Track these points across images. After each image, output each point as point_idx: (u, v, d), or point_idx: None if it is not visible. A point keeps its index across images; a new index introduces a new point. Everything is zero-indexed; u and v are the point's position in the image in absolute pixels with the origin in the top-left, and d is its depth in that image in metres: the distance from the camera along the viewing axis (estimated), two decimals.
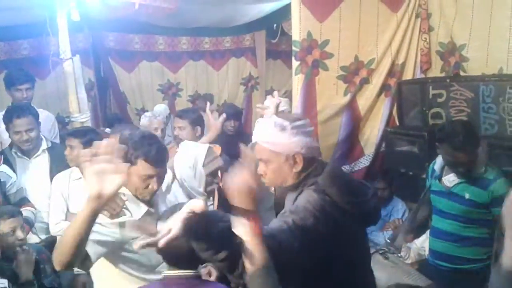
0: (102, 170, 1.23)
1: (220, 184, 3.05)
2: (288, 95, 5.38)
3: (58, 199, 2.56)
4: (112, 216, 1.75)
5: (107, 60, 4.79)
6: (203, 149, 2.72)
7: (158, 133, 3.44)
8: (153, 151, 1.77)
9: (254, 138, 1.63)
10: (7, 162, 2.74)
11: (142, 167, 1.75)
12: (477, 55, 3.27)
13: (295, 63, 3.58)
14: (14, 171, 2.73)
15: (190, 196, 2.57)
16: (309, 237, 1.34)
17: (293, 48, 3.57)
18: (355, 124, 3.75)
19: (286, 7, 4.02)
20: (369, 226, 1.64)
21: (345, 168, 3.83)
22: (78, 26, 4.34)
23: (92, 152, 1.21)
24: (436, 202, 2.52)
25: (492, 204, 2.27)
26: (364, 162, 3.80)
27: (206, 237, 1.19)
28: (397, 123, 3.73)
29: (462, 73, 3.38)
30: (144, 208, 1.84)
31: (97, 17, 4.43)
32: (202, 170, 2.71)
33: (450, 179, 2.42)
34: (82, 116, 3.01)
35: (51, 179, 2.69)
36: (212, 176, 2.71)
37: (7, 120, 2.73)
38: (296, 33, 3.55)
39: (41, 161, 2.85)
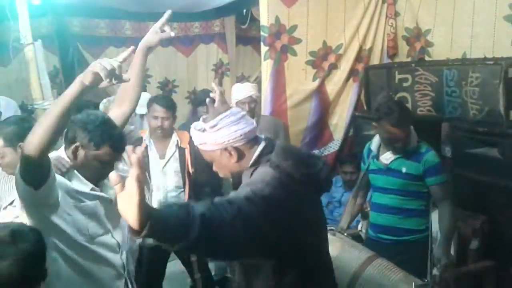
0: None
1: (191, 171, 3.06)
2: (258, 81, 5.38)
3: None
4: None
5: (76, 46, 4.66)
6: None
7: None
8: (117, 137, 1.78)
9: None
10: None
11: (105, 152, 1.76)
12: (442, 40, 3.34)
13: (263, 48, 3.59)
14: None
15: None
16: (269, 205, 1.37)
17: (262, 33, 3.58)
18: (324, 109, 3.80)
19: None
20: (322, 194, 1.71)
21: (315, 152, 3.87)
22: (41, 11, 4.22)
23: None
24: (375, 180, 2.65)
25: (425, 175, 2.46)
26: (333, 146, 3.86)
27: None
28: (365, 108, 3.79)
29: (427, 58, 3.45)
30: (88, 187, 1.81)
31: (60, 1, 4.30)
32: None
33: (387, 157, 2.57)
34: (45, 103, 2.92)
35: None
36: None
37: None
38: (264, 18, 3.55)
39: None
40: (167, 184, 2.98)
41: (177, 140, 3.00)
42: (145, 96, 4.59)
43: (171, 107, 2.96)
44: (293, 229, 1.44)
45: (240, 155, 1.57)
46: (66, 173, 1.78)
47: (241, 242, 1.29)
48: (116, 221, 1.94)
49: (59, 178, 1.69)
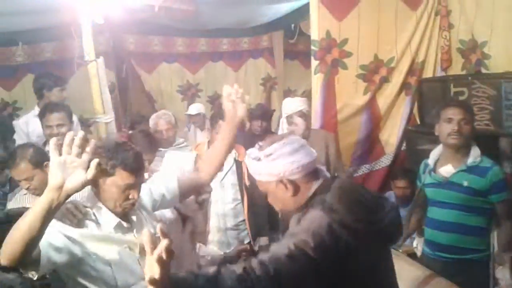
0: (67, 162, 1.22)
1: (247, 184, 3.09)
2: (306, 95, 5.39)
3: None
4: (73, 225, 1.61)
5: (129, 62, 4.86)
6: (189, 159, 2.63)
7: (164, 136, 3.41)
8: (130, 158, 1.64)
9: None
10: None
11: (121, 177, 1.62)
12: (499, 52, 3.24)
13: (314, 63, 3.60)
14: None
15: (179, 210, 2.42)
16: (313, 261, 1.23)
17: (312, 47, 3.59)
18: (375, 123, 3.75)
19: (304, 7, 4.04)
20: (393, 244, 1.53)
21: (365, 167, 3.83)
22: (99, 29, 4.44)
23: (61, 142, 1.21)
24: (433, 195, 2.54)
25: (491, 191, 2.34)
26: (384, 161, 3.79)
27: None
28: (418, 122, 3.71)
29: (483, 71, 3.35)
30: (115, 220, 1.70)
31: (117, 19, 4.50)
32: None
33: (447, 169, 2.46)
34: (106, 117, 3.06)
35: None
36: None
37: (41, 115, 2.84)
38: (315, 33, 3.57)
39: None
40: (225, 197, 3.05)
41: (235, 153, 3.05)
42: (198, 106, 4.75)
43: None
44: (342, 281, 1.31)
45: (296, 189, 1.44)
46: (85, 216, 1.66)
47: None
48: None
49: (74, 234, 1.57)
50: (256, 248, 3.20)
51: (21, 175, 2.27)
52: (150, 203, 1.90)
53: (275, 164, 1.42)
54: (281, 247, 1.26)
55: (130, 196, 1.66)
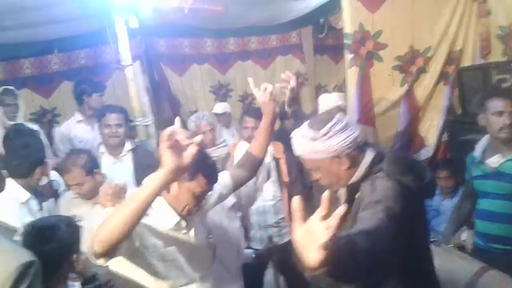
0: (177, 144, 1.29)
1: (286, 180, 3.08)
2: (337, 89, 5.34)
3: None
4: None
5: (159, 65, 4.90)
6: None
7: (209, 137, 3.44)
8: (211, 167, 1.73)
9: (296, 152, 1.62)
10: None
11: (199, 183, 1.68)
12: None
13: (348, 56, 3.55)
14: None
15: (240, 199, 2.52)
16: (397, 224, 1.33)
17: (345, 41, 3.54)
18: (413, 115, 3.68)
19: (333, 1, 3.98)
20: (429, 198, 1.67)
21: None
22: (132, 33, 4.50)
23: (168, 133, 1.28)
24: (482, 186, 2.48)
25: None
26: (425, 153, 3.72)
27: None
28: (459, 112, 3.62)
29: None
30: (175, 218, 1.73)
31: (148, 23, 4.55)
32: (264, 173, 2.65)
33: (494, 160, 2.40)
34: (145, 120, 3.10)
35: (136, 179, 2.79)
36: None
37: (101, 115, 2.96)
38: (348, 26, 3.52)
39: (126, 161, 3.00)
40: (265, 194, 3.04)
41: (272, 150, 3.04)
42: (224, 105, 4.75)
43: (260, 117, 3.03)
44: (417, 242, 1.43)
45: (352, 163, 1.54)
46: None
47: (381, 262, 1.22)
48: (203, 267, 1.83)
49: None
50: None
51: (73, 181, 2.34)
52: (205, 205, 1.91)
53: (332, 141, 1.50)
54: (369, 219, 1.32)
55: (200, 204, 1.73)
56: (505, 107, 2.31)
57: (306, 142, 1.54)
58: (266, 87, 1.98)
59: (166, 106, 4.99)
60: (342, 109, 3.12)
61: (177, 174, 1.32)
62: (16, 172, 2.32)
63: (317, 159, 1.55)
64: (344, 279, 1.10)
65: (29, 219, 2.13)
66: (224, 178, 1.97)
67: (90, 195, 2.35)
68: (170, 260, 1.71)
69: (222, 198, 2.00)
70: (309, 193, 3.20)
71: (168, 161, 1.29)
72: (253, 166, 2.01)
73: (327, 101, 3.15)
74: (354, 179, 1.56)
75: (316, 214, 0.97)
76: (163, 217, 1.71)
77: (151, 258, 1.68)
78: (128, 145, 3.02)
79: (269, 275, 3.40)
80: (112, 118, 2.94)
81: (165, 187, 1.35)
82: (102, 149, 3.03)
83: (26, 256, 1.20)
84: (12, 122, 3.26)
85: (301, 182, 3.21)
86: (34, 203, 2.40)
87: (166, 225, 1.71)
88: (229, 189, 1.99)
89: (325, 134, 1.51)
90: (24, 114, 3.54)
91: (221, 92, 5.25)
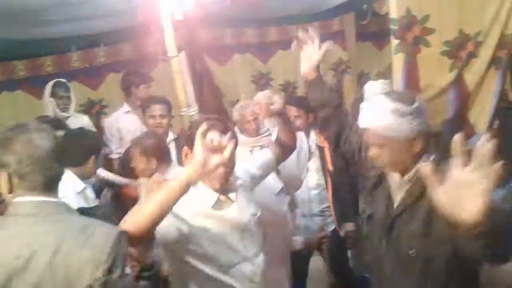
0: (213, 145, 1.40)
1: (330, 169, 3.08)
2: (380, 76, 5.22)
3: None
4: None
5: (201, 56, 4.96)
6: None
7: (253, 126, 3.45)
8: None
9: (362, 123, 1.55)
10: None
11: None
12: None
13: (394, 42, 3.46)
14: None
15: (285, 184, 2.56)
16: None
17: (391, 26, 3.45)
18: (463, 102, 3.55)
19: None
20: None
21: None
22: (174, 25, 4.56)
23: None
24: None
25: None
26: (476, 141, 3.58)
27: None
28: (511, 98, 3.48)
29: None
30: (214, 196, 1.77)
31: (191, 14, 4.60)
32: (306, 156, 2.67)
33: None
34: (191, 110, 3.15)
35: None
36: None
37: (145, 106, 3.07)
38: (394, 11, 3.42)
39: (170, 149, 3.06)
40: (309, 182, 3.04)
41: (316, 139, 3.04)
42: (266, 94, 4.74)
43: (303, 105, 3.03)
44: None
45: (424, 145, 1.47)
46: None
47: None
48: (254, 245, 1.85)
49: (180, 211, 1.67)
50: (342, 234, 3.18)
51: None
52: (249, 179, 1.94)
53: (416, 121, 1.43)
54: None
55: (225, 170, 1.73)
56: None
57: (389, 116, 1.45)
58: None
59: (208, 96, 5.05)
60: None
61: (203, 173, 1.42)
62: (71, 161, 2.42)
63: (390, 136, 1.46)
64: (497, 248, 1.06)
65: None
66: (267, 154, 2.07)
67: None
68: (219, 240, 1.74)
69: (268, 170, 2.07)
70: (352, 182, 3.18)
71: (198, 156, 1.39)
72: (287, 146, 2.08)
73: (374, 88, 3.09)
74: (405, 164, 1.50)
75: (455, 167, 0.94)
76: (203, 198, 1.76)
77: (202, 241, 1.72)
78: (171, 135, 3.09)
79: (314, 263, 3.42)
80: (156, 109, 3.04)
81: (195, 181, 1.44)
82: None
83: (117, 227, 1.43)
84: (64, 114, 3.40)
85: (346, 171, 3.19)
86: (89, 192, 2.50)
87: (208, 204, 1.76)
88: (272, 161, 2.07)
89: (415, 111, 1.43)
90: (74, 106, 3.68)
91: (262, 82, 5.25)
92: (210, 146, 1.43)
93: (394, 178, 1.59)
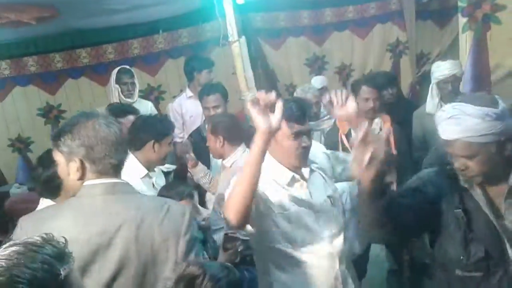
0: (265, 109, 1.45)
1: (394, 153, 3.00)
2: (441, 57, 5.00)
3: None
4: None
5: (256, 40, 4.94)
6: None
7: (314, 110, 3.42)
8: (293, 109, 1.79)
9: (448, 135, 1.44)
10: (201, 136, 3.05)
11: (287, 128, 1.75)
12: None
13: (461, 20, 3.34)
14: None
15: None
16: None
17: (459, 3, 3.34)
18: None
19: None
20: None
21: None
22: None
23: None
24: None
25: None
26: None
27: None
28: None
29: None
30: (289, 174, 1.81)
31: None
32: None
33: None
34: (251, 94, 3.16)
35: None
36: None
37: (201, 96, 3.05)
38: None
39: None
40: None
41: (380, 122, 2.97)
42: (322, 79, 4.68)
43: (378, 86, 2.96)
44: None
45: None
46: None
47: None
48: (331, 227, 1.85)
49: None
50: None
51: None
52: (329, 166, 1.96)
53: (507, 122, 1.38)
54: None
55: (303, 144, 1.78)
56: None
57: (479, 122, 1.38)
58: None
59: (263, 80, 5.04)
60: (459, 79, 2.94)
61: (271, 133, 1.48)
62: (130, 145, 2.47)
63: (480, 143, 1.39)
64: None
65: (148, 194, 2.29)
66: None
67: None
68: (295, 220, 1.77)
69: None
70: (416, 167, 3.09)
71: (260, 123, 1.45)
72: None
73: (443, 70, 2.97)
74: (497, 172, 1.45)
75: None
76: (277, 176, 1.80)
77: (278, 220, 1.76)
78: None
79: (374, 248, 3.38)
80: (210, 101, 3.05)
81: (265, 147, 1.51)
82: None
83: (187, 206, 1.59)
84: (129, 100, 3.50)
85: (410, 155, 3.11)
86: (151, 180, 2.55)
87: (282, 182, 1.79)
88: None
89: (504, 113, 1.39)
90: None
91: (316, 65, 5.17)
92: (262, 104, 1.47)
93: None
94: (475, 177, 1.47)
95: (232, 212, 1.53)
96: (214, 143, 2.62)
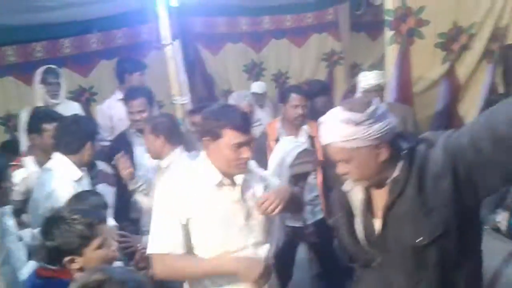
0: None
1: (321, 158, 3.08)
2: (373, 68, 5.22)
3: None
4: None
5: (195, 44, 4.92)
6: (296, 149, 2.61)
7: None
8: (238, 118, 1.72)
9: (323, 141, 1.47)
10: (125, 141, 2.94)
11: (229, 137, 1.69)
12: None
13: (388, 33, 3.46)
14: (132, 149, 3.01)
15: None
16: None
17: (386, 17, 3.45)
18: (454, 95, 3.57)
19: None
20: None
21: None
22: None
23: None
24: None
25: None
26: None
27: None
28: (501, 91, 3.51)
29: None
30: (218, 176, 1.77)
31: (186, 2, 4.56)
32: (287, 170, 2.63)
33: None
34: (183, 99, 3.14)
35: None
36: (296, 179, 2.59)
37: (125, 101, 2.97)
38: (389, 2, 3.42)
39: None
40: None
41: (308, 129, 3.04)
42: (262, 85, 4.74)
43: (307, 94, 3.02)
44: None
45: (391, 154, 1.41)
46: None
47: None
48: (260, 235, 1.84)
49: (183, 192, 1.75)
50: (329, 223, 3.19)
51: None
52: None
53: (376, 126, 1.37)
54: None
55: (243, 155, 1.71)
56: None
57: (344, 127, 1.38)
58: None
59: (200, 85, 5.02)
60: (382, 88, 3.07)
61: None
62: (67, 148, 2.41)
63: (351, 148, 1.39)
64: None
65: None
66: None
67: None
68: (220, 223, 1.75)
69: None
70: None
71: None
72: None
73: (369, 79, 3.10)
74: (383, 169, 1.44)
75: None
76: (208, 177, 1.77)
77: (203, 224, 1.75)
78: None
79: (302, 253, 3.44)
80: (134, 105, 2.98)
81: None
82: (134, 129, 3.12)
83: None
84: (54, 101, 3.37)
85: None
86: (86, 182, 2.48)
87: (210, 183, 1.77)
88: None
89: (369, 117, 1.37)
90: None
91: (254, 71, 5.24)
92: None
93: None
94: (360, 181, 1.48)
95: (168, 273, 1.75)
96: (154, 143, 2.58)
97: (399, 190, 1.43)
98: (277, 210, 1.74)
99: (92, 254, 1.61)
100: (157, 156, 2.63)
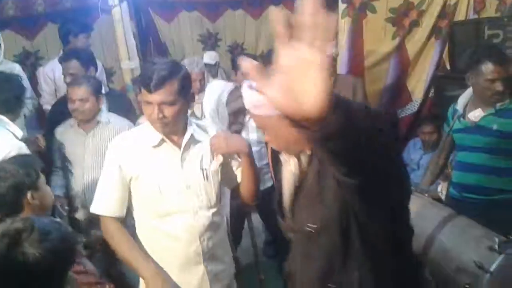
0: None
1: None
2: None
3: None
4: None
5: (147, 11, 4.75)
6: (227, 88, 2.61)
7: (197, 86, 3.38)
8: (145, 76, 1.64)
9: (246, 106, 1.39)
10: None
11: (142, 96, 1.67)
12: None
13: (341, 6, 3.50)
14: None
15: None
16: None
17: None
18: (403, 69, 3.67)
19: None
20: None
21: None
22: None
23: None
24: (461, 140, 2.51)
25: None
26: (411, 108, 3.74)
27: None
28: (448, 67, 3.62)
29: None
30: (158, 137, 1.74)
31: None
32: (225, 109, 2.60)
33: (475, 114, 2.42)
34: (131, 63, 3.04)
35: None
36: (234, 115, 2.62)
37: (59, 62, 2.86)
38: None
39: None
40: (249, 138, 3.04)
41: None
42: (214, 55, 4.67)
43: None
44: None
45: None
46: None
47: None
48: (202, 201, 1.80)
49: (122, 152, 1.77)
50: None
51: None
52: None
53: None
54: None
55: (159, 115, 1.63)
56: (499, 73, 2.28)
57: (251, 93, 1.27)
58: None
59: (153, 53, 4.89)
60: (333, 59, 3.10)
61: None
62: (6, 107, 2.29)
63: (262, 116, 1.29)
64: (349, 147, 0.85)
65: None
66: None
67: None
68: (159, 185, 1.71)
69: None
70: None
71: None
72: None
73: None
74: (297, 148, 1.31)
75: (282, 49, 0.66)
76: (148, 137, 1.75)
77: (142, 185, 1.73)
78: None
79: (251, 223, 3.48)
80: (67, 67, 2.80)
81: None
82: None
83: None
84: None
85: None
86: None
87: (151, 143, 1.75)
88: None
89: None
90: (6, 54, 3.45)
91: (209, 41, 5.13)
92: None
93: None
94: (281, 151, 1.40)
95: (108, 239, 1.76)
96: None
97: (306, 167, 1.35)
98: (228, 149, 1.76)
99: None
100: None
